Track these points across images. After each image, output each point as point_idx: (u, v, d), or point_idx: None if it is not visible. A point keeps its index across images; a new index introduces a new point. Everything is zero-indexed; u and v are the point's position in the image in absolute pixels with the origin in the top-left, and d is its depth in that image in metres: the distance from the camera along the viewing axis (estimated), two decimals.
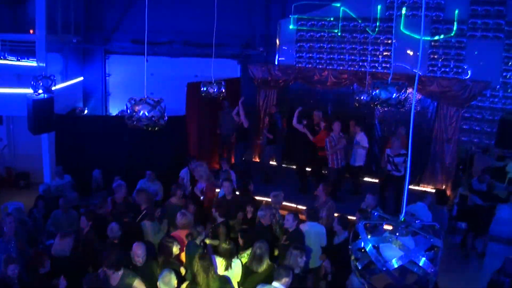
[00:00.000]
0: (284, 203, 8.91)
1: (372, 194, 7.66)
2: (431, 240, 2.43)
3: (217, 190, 8.69)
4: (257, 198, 9.70)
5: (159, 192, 9.08)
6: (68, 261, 5.75)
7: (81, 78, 14.42)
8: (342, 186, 10.32)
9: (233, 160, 11.71)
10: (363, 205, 7.87)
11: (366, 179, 11.70)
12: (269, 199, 7.72)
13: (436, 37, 11.11)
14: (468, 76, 11.03)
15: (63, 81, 12.69)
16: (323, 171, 10.76)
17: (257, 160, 13.19)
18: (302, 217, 7.09)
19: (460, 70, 11.14)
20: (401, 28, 11.12)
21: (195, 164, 8.79)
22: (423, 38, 10.91)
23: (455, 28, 10.97)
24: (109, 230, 6.22)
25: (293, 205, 9.76)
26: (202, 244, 6.23)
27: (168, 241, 5.82)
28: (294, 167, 11.58)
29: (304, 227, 6.78)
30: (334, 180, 9.99)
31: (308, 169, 10.95)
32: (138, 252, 5.43)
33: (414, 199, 8.23)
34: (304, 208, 9.37)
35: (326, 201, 7.86)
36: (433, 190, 10.98)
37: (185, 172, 9.47)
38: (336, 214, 7.47)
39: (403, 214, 2.59)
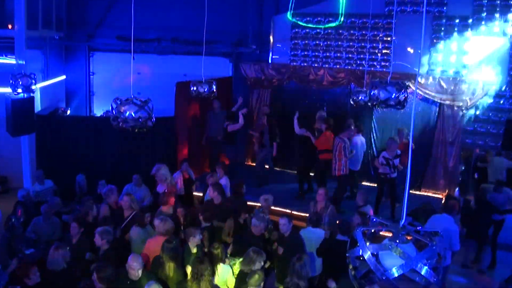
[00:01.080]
0: (278, 208, 8.93)
1: (361, 193, 8.00)
2: (434, 247, 2.43)
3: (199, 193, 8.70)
4: (250, 203, 9.72)
5: (146, 197, 9.04)
6: (64, 274, 5.66)
7: (64, 77, 14.34)
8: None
9: (227, 162, 11.71)
10: (358, 198, 8.05)
11: (364, 183, 11.75)
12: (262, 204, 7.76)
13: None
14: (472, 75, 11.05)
15: (44, 79, 12.61)
16: (326, 176, 10.82)
17: (250, 163, 13.19)
18: (296, 223, 7.12)
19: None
20: None
21: (156, 166, 8.66)
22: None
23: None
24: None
25: (288, 210, 9.77)
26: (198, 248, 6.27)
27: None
28: (293, 171, 11.62)
29: (304, 232, 6.81)
30: (345, 188, 10.12)
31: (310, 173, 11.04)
32: (134, 265, 5.36)
33: (415, 204, 8.27)
34: (299, 214, 9.48)
35: (326, 206, 7.90)
36: (436, 195, 11.04)
37: (178, 175, 9.48)
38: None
39: (403, 220, 2.60)
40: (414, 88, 10.52)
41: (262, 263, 5.75)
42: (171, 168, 9.65)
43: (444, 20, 11.14)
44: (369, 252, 2.52)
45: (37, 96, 11.49)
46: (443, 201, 9.10)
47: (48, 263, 5.72)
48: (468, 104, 10.80)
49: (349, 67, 12.06)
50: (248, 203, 8.30)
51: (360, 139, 10.64)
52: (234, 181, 9.03)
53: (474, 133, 11.32)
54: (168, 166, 9.39)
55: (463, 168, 11.40)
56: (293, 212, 9.71)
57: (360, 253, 2.57)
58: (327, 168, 10.09)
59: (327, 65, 12.33)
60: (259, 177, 11.39)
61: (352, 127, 10.39)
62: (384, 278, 2.43)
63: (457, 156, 11.10)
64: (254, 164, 12.41)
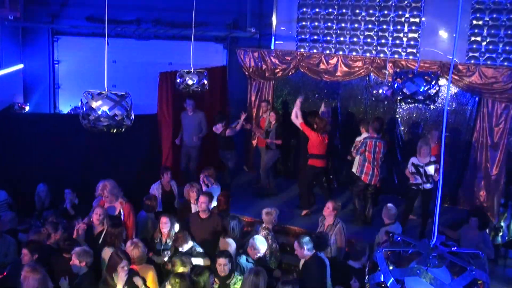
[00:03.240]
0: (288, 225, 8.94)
1: (387, 208, 8.04)
2: (473, 272, 2.44)
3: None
4: (248, 218, 9.75)
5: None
6: None
7: (21, 66, 14.34)
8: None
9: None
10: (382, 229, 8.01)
11: (386, 194, 11.77)
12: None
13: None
14: None
15: None
16: (333, 185, 10.88)
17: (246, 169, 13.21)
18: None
19: (511, 56, 11.17)
20: None
21: (101, 184, 8.58)
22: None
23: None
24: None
25: (294, 227, 9.80)
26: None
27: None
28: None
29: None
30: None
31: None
32: None
33: (449, 220, 8.30)
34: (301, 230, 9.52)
35: (334, 223, 7.93)
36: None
37: (156, 187, 9.46)
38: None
39: (435, 239, 2.61)
40: (447, 80, 10.57)
41: None
42: (154, 177, 9.67)
43: None
44: (392, 278, 2.53)
45: None
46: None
47: None
48: None
49: (368, 55, 12.08)
50: (245, 218, 8.32)
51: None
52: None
53: None
54: (150, 173, 9.42)
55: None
56: (302, 229, 9.72)
57: (382, 279, 2.58)
58: (316, 178, 10.42)
59: (341, 52, 12.35)
60: (262, 185, 11.47)
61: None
62: None
63: (502, 162, 11.08)
64: (255, 170, 12.44)
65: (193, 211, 8.66)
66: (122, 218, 8.08)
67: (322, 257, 6.89)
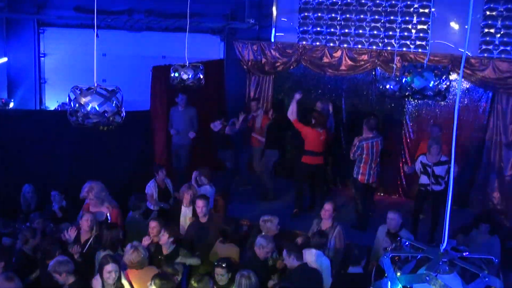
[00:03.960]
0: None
1: (395, 211, 7.91)
2: (486, 279, 2.44)
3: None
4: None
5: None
6: None
7: (4, 59, 14.31)
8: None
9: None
10: (380, 228, 8.01)
11: (394, 197, 11.79)
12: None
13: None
14: None
15: None
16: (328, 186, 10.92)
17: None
18: None
19: None
20: None
21: (88, 185, 8.55)
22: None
23: None
24: None
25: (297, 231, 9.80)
26: None
27: None
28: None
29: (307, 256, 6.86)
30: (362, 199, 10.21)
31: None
32: None
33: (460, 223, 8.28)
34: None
35: (333, 226, 7.95)
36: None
37: (152, 186, 9.48)
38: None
39: (445, 243, 2.61)
40: (458, 75, 10.58)
41: None
42: (147, 176, 9.67)
43: None
44: (400, 285, 2.53)
45: None
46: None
47: None
48: None
49: (374, 47, 12.09)
50: (244, 222, 8.35)
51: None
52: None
53: None
54: (143, 173, 9.42)
55: None
56: (297, 232, 9.72)
57: (389, 286, 2.58)
58: (311, 176, 10.51)
59: (345, 45, 12.36)
60: (265, 187, 11.52)
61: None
62: None
63: None
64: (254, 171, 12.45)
65: (182, 213, 8.67)
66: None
67: (322, 261, 6.91)
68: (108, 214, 8.23)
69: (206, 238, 7.86)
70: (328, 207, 8.06)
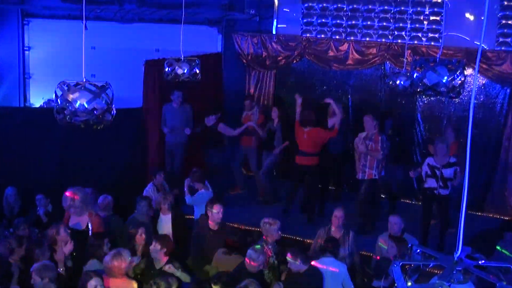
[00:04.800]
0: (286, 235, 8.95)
1: (396, 215, 8.01)
2: None
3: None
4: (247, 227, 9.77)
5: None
6: None
7: None
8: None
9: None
10: (381, 237, 8.04)
11: (403, 200, 11.80)
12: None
13: None
14: None
15: None
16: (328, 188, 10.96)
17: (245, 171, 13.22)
18: None
19: None
20: None
21: (69, 190, 8.41)
22: None
23: None
24: None
25: (299, 238, 9.84)
26: None
27: None
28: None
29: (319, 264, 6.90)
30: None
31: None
32: None
33: (475, 229, 8.27)
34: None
35: (346, 232, 7.97)
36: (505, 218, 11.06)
37: (151, 189, 9.51)
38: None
39: (459, 251, 2.61)
40: (474, 69, 10.57)
41: None
42: (140, 178, 9.68)
43: None
44: None
45: None
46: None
47: None
48: None
49: (384, 40, 12.09)
50: (242, 226, 8.36)
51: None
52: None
53: None
54: (135, 175, 9.43)
55: None
56: (306, 240, 9.73)
57: None
58: (303, 178, 10.56)
59: (352, 38, 12.35)
60: (266, 190, 11.52)
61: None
62: None
63: None
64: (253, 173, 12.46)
65: (161, 221, 8.69)
66: (89, 233, 7.98)
67: (332, 264, 6.94)
68: (89, 223, 8.15)
69: (217, 247, 7.91)
70: (339, 213, 8.07)
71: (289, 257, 6.82)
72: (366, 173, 10.06)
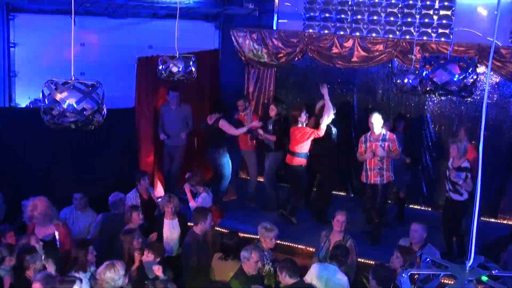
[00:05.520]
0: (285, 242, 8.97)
1: (420, 224, 7.93)
2: None
3: None
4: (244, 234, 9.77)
5: (92, 226, 9.11)
6: None
7: None
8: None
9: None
10: (402, 242, 8.02)
11: (412, 206, 11.82)
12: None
13: None
14: None
15: None
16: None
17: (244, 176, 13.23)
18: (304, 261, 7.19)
19: None
20: None
21: (31, 200, 8.40)
22: None
23: None
24: None
25: (300, 246, 9.86)
26: None
27: None
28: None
29: (321, 272, 6.89)
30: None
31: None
32: None
33: (488, 237, 8.26)
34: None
35: (345, 239, 8.01)
36: None
37: (133, 196, 9.51)
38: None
39: (471, 260, 2.61)
40: (487, 67, 10.57)
41: None
42: (132, 183, 9.67)
43: None
44: None
45: None
46: None
47: None
48: None
49: (391, 36, 12.09)
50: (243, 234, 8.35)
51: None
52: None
53: None
54: (127, 179, 9.43)
55: None
56: (308, 248, 9.75)
57: None
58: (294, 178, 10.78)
59: (358, 33, 12.36)
60: (268, 197, 11.57)
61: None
62: None
63: None
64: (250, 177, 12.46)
65: (166, 228, 8.70)
66: (57, 244, 7.98)
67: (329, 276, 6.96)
68: (56, 234, 8.13)
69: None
70: (341, 217, 8.11)
71: (278, 269, 6.84)
72: (384, 176, 10.04)
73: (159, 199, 9.84)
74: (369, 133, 10.12)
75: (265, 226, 7.85)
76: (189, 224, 8.88)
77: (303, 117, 10.60)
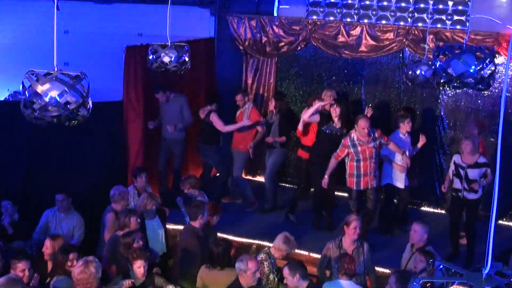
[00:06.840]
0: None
1: (421, 223, 7.98)
2: None
3: None
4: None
5: (76, 230, 9.15)
6: None
7: None
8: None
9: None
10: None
11: (425, 208, 11.84)
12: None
13: None
14: None
15: None
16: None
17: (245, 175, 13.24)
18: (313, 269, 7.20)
19: None
20: None
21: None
22: None
23: None
24: None
25: (304, 252, 9.86)
26: None
27: None
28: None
29: None
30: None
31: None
32: None
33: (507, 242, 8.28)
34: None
35: (360, 245, 7.98)
36: None
37: (130, 193, 9.57)
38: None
39: (488, 267, 2.62)
40: (506, 57, 10.58)
41: None
42: (120, 181, 9.69)
43: None
44: None
45: None
46: None
47: None
48: None
49: (402, 24, 12.10)
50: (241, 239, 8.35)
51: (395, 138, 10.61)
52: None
53: None
54: (114, 177, 9.44)
55: None
56: (311, 254, 9.76)
57: None
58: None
59: (366, 20, 12.37)
60: (268, 196, 11.58)
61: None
62: None
63: None
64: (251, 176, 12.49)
65: (149, 228, 8.69)
66: None
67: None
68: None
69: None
70: (356, 223, 7.97)
71: (286, 272, 6.81)
72: (377, 178, 10.14)
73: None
74: (355, 136, 9.78)
75: (287, 236, 7.78)
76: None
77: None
